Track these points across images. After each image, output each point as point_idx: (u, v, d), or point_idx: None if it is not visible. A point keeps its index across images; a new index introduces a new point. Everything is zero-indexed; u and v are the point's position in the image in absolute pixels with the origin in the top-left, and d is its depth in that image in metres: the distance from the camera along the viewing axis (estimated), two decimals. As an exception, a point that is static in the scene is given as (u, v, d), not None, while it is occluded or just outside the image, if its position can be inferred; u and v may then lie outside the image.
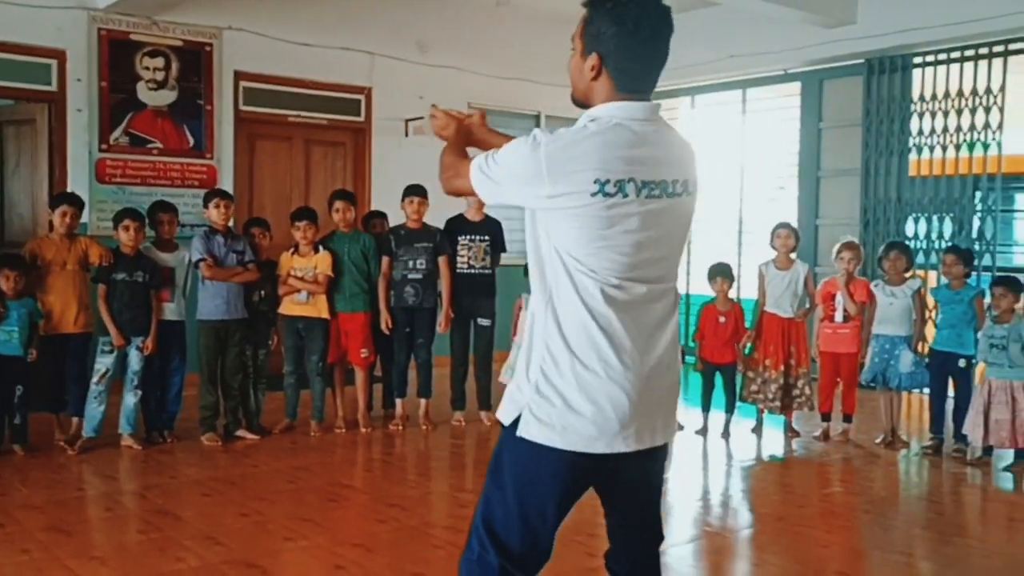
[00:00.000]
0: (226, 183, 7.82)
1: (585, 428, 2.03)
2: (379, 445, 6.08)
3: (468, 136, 2.49)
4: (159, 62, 7.53)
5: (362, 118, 8.75)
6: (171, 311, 5.82)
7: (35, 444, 5.52)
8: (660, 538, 2.35)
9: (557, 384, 2.04)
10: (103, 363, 5.56)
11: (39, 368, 5.55)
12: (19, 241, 6.77)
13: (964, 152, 7.84)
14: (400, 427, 6.36)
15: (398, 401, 6.50)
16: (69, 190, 6.92)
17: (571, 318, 2.03)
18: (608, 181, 1.97)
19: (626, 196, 1.99)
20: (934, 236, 8.01)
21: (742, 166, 9.68)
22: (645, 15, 2.05)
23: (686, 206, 2.13)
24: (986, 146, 7.71)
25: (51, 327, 5.54)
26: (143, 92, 7.47)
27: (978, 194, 7.82)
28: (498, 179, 2.10)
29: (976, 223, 7.81)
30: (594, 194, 1.97)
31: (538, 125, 9.97)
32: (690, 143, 2.18)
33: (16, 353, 5.35)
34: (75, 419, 5.64)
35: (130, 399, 5.64)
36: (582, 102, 2.16)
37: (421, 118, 8.84)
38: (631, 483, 2.22)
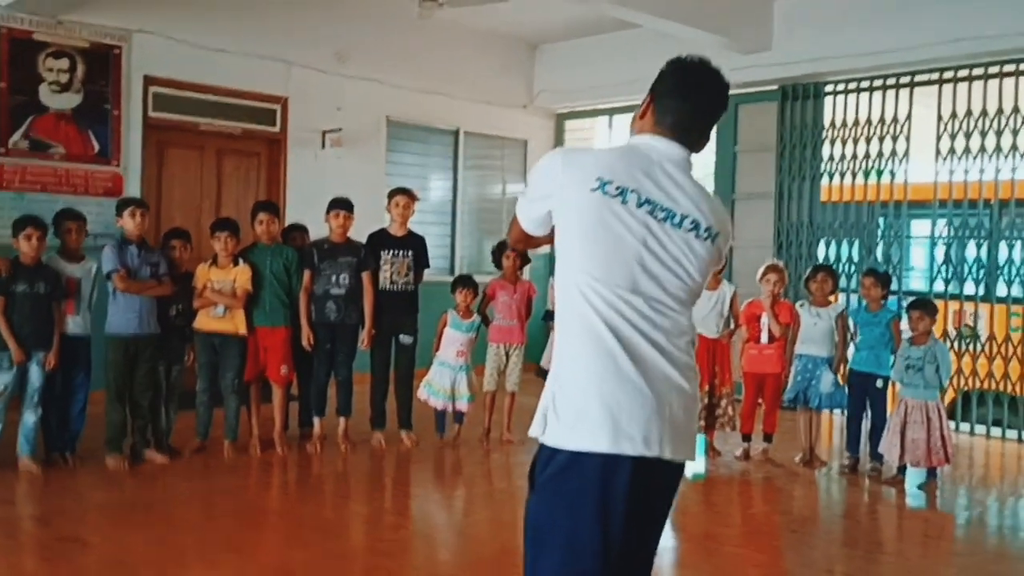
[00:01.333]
0: (133, 192, 7.46)
1: (592, 427, 2.03)
2: (297, 466, 5.86)
3: None
4: (63, 63, 7.16)
5: (278, 128, 8.50)
6: (75, 324, 5.50)
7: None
8: (650, 565, 2.28)
9: (568, 387, 2.09)
10: (1, 380, 5.19)
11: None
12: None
13: (872, 179, 8.09)
14: (318, 447, 6.15)
15: (316, 420, 6.29)
16: (-37, 195, 6.54)
17: (580, 325, 2.08)
18: (611, 182, 2.07)
19: (625, 202, 2.07)
20: (843, 259, 8.22)
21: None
22: (696, 70, 2.25)
23: (698, 245, 2.15)
24: (893, 174, 7.97)
25: (-61, 340, 5.16)
26: (46, 94, 7.08)
27: (883, 219, 8.07)
28: (530, 195, 2.23)
29: (882, 248, 8.05)
30: (594, 189, 2.07)
31: (457, 141, 9.90)
32: (717, 199, 2.28)
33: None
34: (-32, 440, 5.25)
35: (30, 418, 5.29)
36: None
37: (339, 130, 8.70)
38: (639, 496, 2.12)
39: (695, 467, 6.15)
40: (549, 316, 6.55)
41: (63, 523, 4.38)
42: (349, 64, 8.82)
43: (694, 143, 2.24)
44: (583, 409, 2.05)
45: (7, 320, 5.18)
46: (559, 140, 10.68)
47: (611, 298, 2.07)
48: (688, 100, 2.23)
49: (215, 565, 3.91)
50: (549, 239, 2.28)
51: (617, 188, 2.08)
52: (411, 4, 7.87)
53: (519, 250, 2.05)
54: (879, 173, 8.07)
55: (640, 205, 2.08)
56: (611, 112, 10.23)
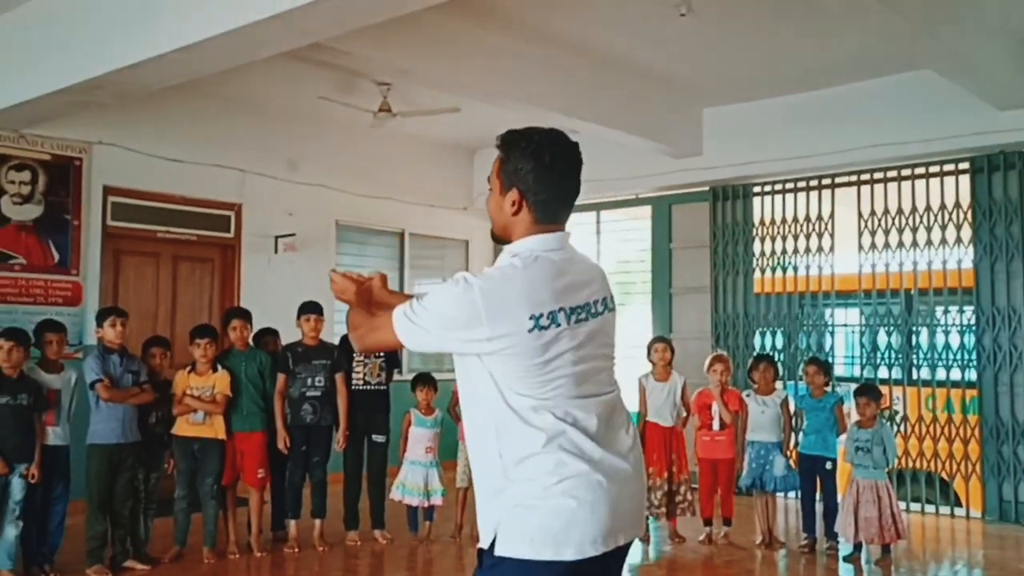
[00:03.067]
0: (91, 300, 7.54)
1: (571, 539, 2.09)
2: (279, 569, 5.91)
3: (368, 297, 2.52)
4: (25, 176, 7.27)
5: (231, 234, 8.68)
6: (55, 436, 5.50)
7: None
8: None
9: (528, 505, 2.11)
10: (-16, 494, 5.16)
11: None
12: None
13: (802, 271, 8.68)
14: (296, 549, 6.20)
15: (291, 522, 6.34)
16: (-78, 307, 6.51)
17: (529, 447, 2.12)
18: (542, 315, 2.10)
19: (559, 326, 2.13)
20: (779, 348, 8.74)
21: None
22: (558, 151, 2.25)
23: (609, 321, 2.29)
24: (820, 268, 8.58)
25: (-79, 456, 5.12)
26: (7, 206, 7.16)
27: (813, 309, 8.64)
28: (428, 326, 2.16)
29: (814, 336, 8.60)
30: (531, 330, 2.10)
31: (403, 242, 10.21)
32: (597, 264, 2.39)
33: None
34: (-54, 557, 5.17)
35: (11, 531, 5.23)
36: (501, 237, 2.31)
37: (293, 235, 8.92)
38: None
39: (661, 554, 6.42)
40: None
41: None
42: (300, 171, 9.10)
43: (567, 218, 2.30)
44: (543, 529, 2.09)
45: (-9, 433, 5.18)
46: (498, 239, 11.08)
47: (562, 414, 2.12)
48: (560, 191, 2.25)
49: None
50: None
51: (548, 316, 2.11)
52: (358, 114, 8.27)
53: (366, 353, 2.10)
54: (795, 269, 8.66)
55: (568, 318, 2.15)
56: (549, 212, 10.67)
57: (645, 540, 6.77)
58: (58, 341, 5.63)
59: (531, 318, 2.10)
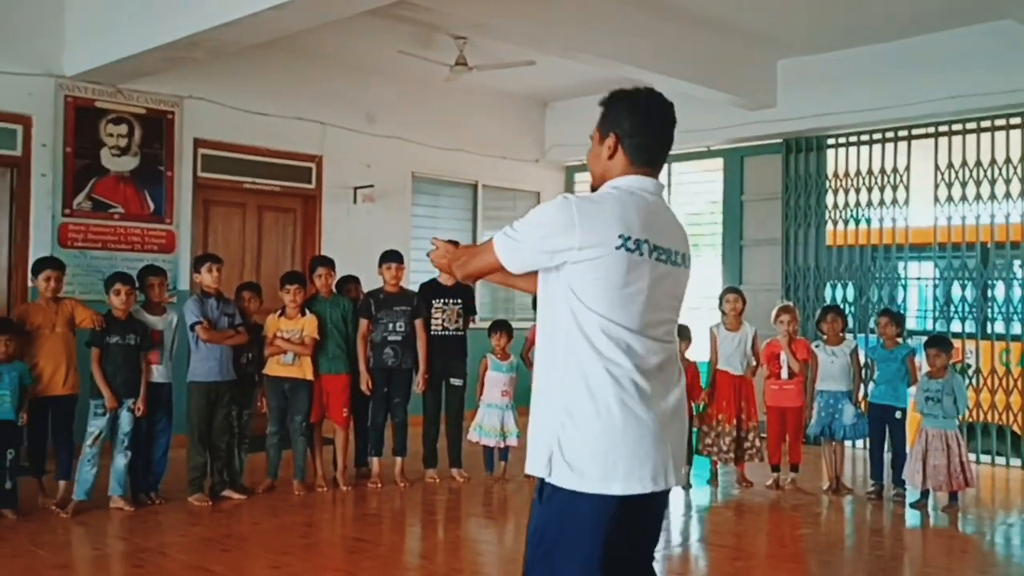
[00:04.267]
0: (183, 248, 7.94)
1: (606, 472, 2.23)
2: (363, 503, 6.24)
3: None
4: (123, 129, 7.63)
5: (313, 185, 8.99)
6: (159, 373, 5.90)
7: (21, 508, 5.47)
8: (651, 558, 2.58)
9: (580, 434, 2.25)
10: (96, 425, 5.58)
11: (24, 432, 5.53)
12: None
13: (875, 224, 8.66)
14: (378, 485, 6.54)
15: (374, 459, 6.68)
16: (31, 254, 6.96)
17: (591, 370, 2.25)
18: (630, 238, 2.25)
19: (642, 255, 2.26)
20: (849, 300, 8.76)
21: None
22: (653, 101, 2.45)
23: (683, 276, 2.44)
24: (894, 220, 8.56)
25: (40, 390, 5.55)
26: (106, 158, 7.54)
27: (887, 262, 8.63)
28: (523, 237, 2.32)
29: (886, 289, 8.61)
30: (618, 247, 2.23)
31: (476, 194, 10.43)
32: (682, 224, 2.51)
33: (8, 417, 5.34)
34: (62, 482, 5.61)
35: (121, 461, 5.66)
36: (598, 186, 2.46)
37: (371, 186, 9.20)
38: (641, 524, 2.42)
39: (729, 498, 6.61)
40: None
41: (181, 554, 4.77)
42: (378, 124, 9.34)
43: (660, 169, 2.47)
44: (594, 455, 2.22)
45: (102, 370, 5.57)
46: (568, 191, 11.18)
47: (623, 343, 2.25)
48: (653, 136, 2.42)
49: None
50: (511, 275, 2.43)
51: (635, 242, 2.25)
52: (435, 68, 8.45)
53: (467, 282, 2.25)
54: (868, 222, 8.64)
55: (651, 253, 2.28)
56: (620, 165, 10.76)
57: (713, 484, 6.95)
58: (160, 284, 6.01)
59: (620, 236, 2.24)
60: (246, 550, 4.95)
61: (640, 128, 2.40)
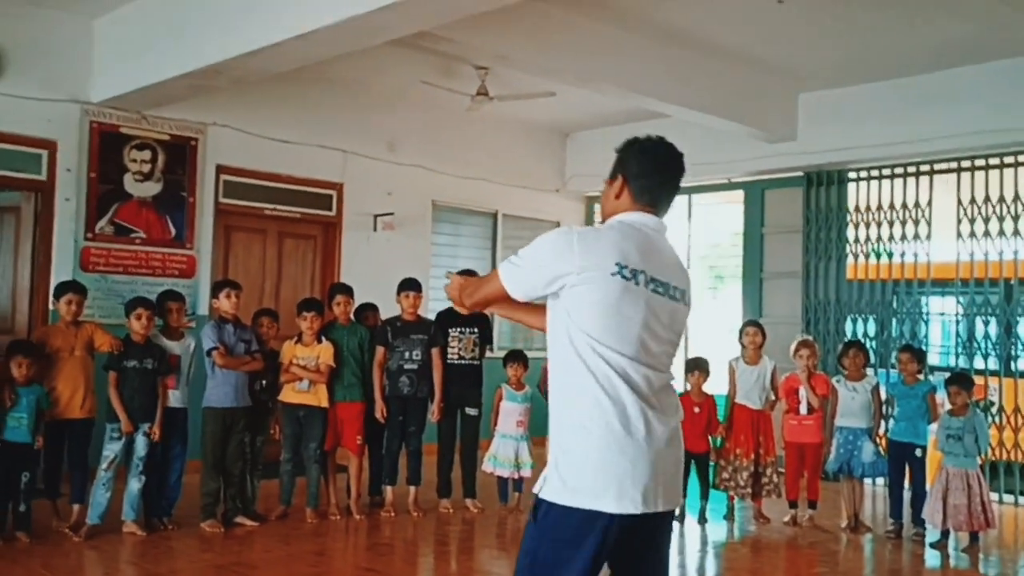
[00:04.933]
0: (204, 273, 8.00)
1: (597, 489, 2.29)
2: (376, 531, 6.22)
3: None
4: (146, 155, 7.72)
5: (333, 212, 9.04)
6: (175, 398, 5.92)
7: (35, 531, 5.49)
8: None
9: (574, 453, 2.32)
10: (111, 449, 5.60)
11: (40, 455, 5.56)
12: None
13: (896, 259, 8.60)
14: (392, 513, 6.51)
15: (388, 488, 6.65)
16: (53, 277, 7.04)
17: (585, 393, 2.33)
18: (627, 267, 2.34)
19: (638, 284, 2.35)
20: (870, 335, 8.68)
21: (688, 267, 10.27)
22: (662, 147, 2.57)
23: (682, 312, 2.49)
24: (916, 255, 8.48)
25: (57, 413, 5.58)
26: (129, 183, 7.62)
27: (909, 297, 8.55)
28: (525, 264, 2.43)
29: (908, 324, 8.52)
30: (614, 273, 2.32)
31: (496, 223, 10.45)
32: (684, 264, 2.60)
33: (25, 440, 5.38)
34: (75, 506, 5.63)
35: (135, 485, 5.67)
36: None
37: (391, 214, 9.24)
38: (639, 550, 2.43)
39: (746, 534, 6.53)
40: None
41: (191, 581, 4.76)
42: (399, 153, 9.41)
43: (665, 212, 2.57)
44: (585, 473, 2.29)
45: (119, 393, 5.60)
46: (589, 221, 11.17)
47: (618, 367, 2.32)
48: (659, 179, 2.54)
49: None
50: (518, 307, 2.59)
51: (631, 271, 2.34)
52: (456, 98, 8.51)
53: (474, 311, 2.35)
54: (890, 256, 8.58)
55: (647, 284, 2.37)
56: (640, 195, 10.76)
57: (730, 519, 6.87)
58: (178, 310, 6.05)
59: (617, 264, 2.33)
60: (257, 577, 4.93)
61: (646, 171, 2.53)
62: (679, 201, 10.10)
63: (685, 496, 6.67)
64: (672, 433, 2.41)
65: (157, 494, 5.88)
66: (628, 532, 2.34)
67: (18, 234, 7.35)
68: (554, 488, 2.33)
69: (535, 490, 2.40)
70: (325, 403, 6.31)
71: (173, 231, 7.86)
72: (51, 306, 6.47)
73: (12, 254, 7.36)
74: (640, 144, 2.57)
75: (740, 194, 9.92)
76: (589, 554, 2.30)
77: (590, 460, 2.31)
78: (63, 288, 5.91)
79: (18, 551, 5.23)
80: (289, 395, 6.30)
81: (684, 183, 8.25)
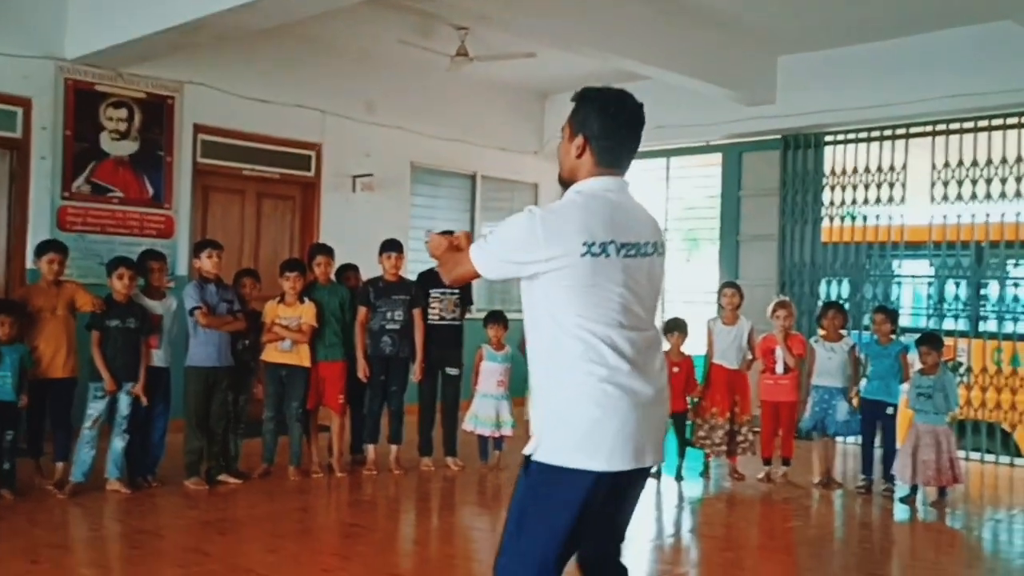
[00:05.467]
0: (182, 233, 7.96)
1: (601, 451, 2.37)
2: (358, 489, 6.30)
3: (457, 251, 2.76)
4: (123, 113, 7.64)
5: (312, 173, 9.00)
6: (158, 358, 5.93)
7: (19, 489, 5.51)
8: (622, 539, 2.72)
9: (565, 417, 2.40)
10: (95, 408, 5.62)
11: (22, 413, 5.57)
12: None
13: (871, 222, 8.71)
14: (374, 472, 6.58)
15: (369, 447, 6.72)
16: (30, 237, 6.99)
17: (576, 365, 2.39)
18: (594, 243, 2.37)
19: (608, 255, 2.39)
20: (844, 297, 8.81)
21: (664, 230, 10.36)
22: (623, 105, 2.55)
23: (658, 264, 2.56)
24: (890, 218, 8.61)
25: (39, 372, 5.58)
26: (106, 142, 7.54)
27: (882, 259, 8.69)
28: (495, 250, 2.48)
29: (881, 287, 8.66)
30: (583, 255, 2.36)
31: (475, 185, 10.46)
32: (650, 214, 2.62)
33: (8, 399, 5.38)
34: (59, 464, 5.65)
35: (118, 443, 5.70)
36: (567, 179, 2.58)
37: (370, 175, 9.22)
38: (616, 499, 2.54)
39: (721, 490, 6.67)
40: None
41: (178, 536, 4.84)
42: (378, 113, 9.36)
43: (627, 168, 2.56)
44: (579, 435, 2.37)
45: (102, 353, 5.61)
46: (568, 184, 11.23)
47: (603, 336, 2.38)
48: (623, 138, 2.52)
49: (335, 570, 4.41)
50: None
51: (600, 246, 2.37)
52: (436, 58, 8.47)
53: (455, 286, 2.48)
54: (864, 219, 8.70)
55: (618, 251, 2.40)
56: (618, 158, 10.79)
57: (706, 476, 7.01)
58: (160, 269, 6.05)
59: (584, 244, 2.36)
60: (242, 534, 5.01)
61: (608, 131, 2.50)
62: (657, 164, 10.17)
63: (683, 456, 6.90)
64: (658, 392, 2.49)
65: (141, 452, 5.91)
66: (612, 484, 2.44)
67: (-7, 193, 7.28)
68: (546, 450, 2.41)
69: (526, 451, 2.47)
70: (307, 362, 6.34)
71: (151, 191, 7.81)
72: (31, 265, 6.43)
73: (-13, 213, 7.29)
74: (601, 100, 2.53)
75: (718, 157, 9.99)
76: (576, 509, 2.41)
77: (582, 424, 2.38)
78: (44, 247, 5.88)
79: (3, 508, 5.27)
80: (271, 355, 6.33)
81: (662, 146, 8.30)
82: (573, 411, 2.39)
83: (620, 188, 2.53)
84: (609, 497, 2.49)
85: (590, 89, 2.58)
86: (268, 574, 4.23)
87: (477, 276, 2.57)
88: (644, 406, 2.42)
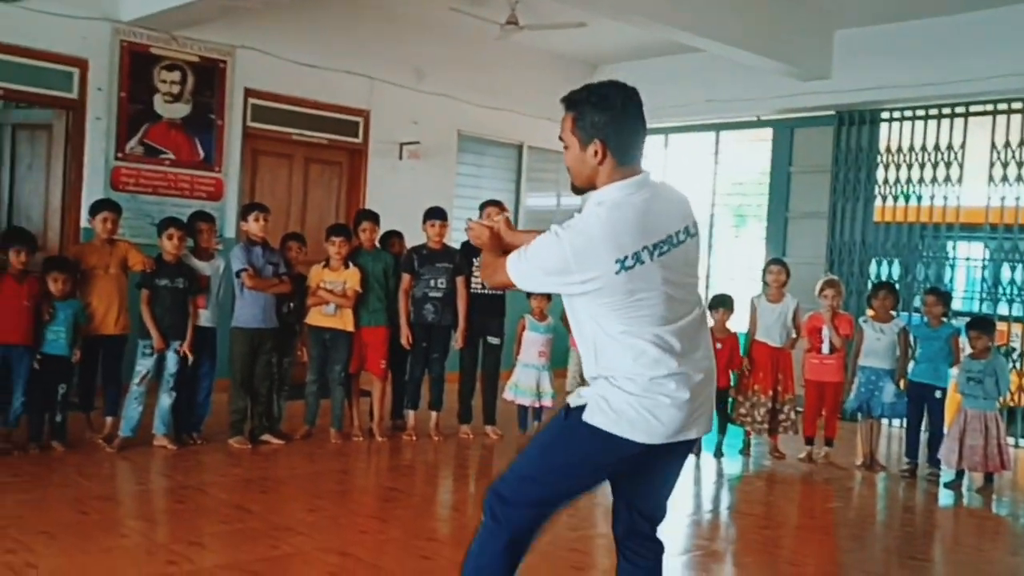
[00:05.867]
0: (231, 196, 8.05)
1: (636, 422, 2.42)
2: (397, 454, 6.36)
3: (498, 240, 2.82)
4: (176, 76, 7.72)
5: (360, 139, 9.03)
6: (205, 318, 6.02)
7: (69, 442, 5.65)
8: (663, 517, 2.74)
9: (617, 396, 2.43)
10: (144, 365, 5.73)
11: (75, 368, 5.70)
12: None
13: (925, 202, 8.52)
14: (413, 437, 6.64)
15: (409, 413, 6.78)
16: (84, 196, 7.12)
17: (622, 362, 2.43)
18: (626, 257, 2.36)
19: (643, 263, 2.38)
20: (895, 278, 8.65)
21: (712, 204, 10.25)
22: (625, 96, 2.49)
23: (692, 246, 2.54)
24: (945, 199, 8.41)
25: (92, 328, 5.70)
26: (159, 104, 7.63)
27: (935, 240, 8.51)
28: (531, 271, 2.48)
29: (933, 268, 8.49)
30: (617, 272, 2.36)
31: (521, 155, 10.41)
32: (682, 192, 2.60)
33: (62, 353, 5.52)
34: (108, 419, 5.78)
35: (165, 400, 5.82)
36: (584, 187, 2.55)
37: (417, 143, 9.23)
38: (661, 469, 2.62)
39: (760, 469, 6.62)
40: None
41: (221, 492, 4.92)
42: (426, 81, 9.35)
43: (641, 159, 2.53)
44: (628, 414, 2.41)
45: (151, 311, 5.71)
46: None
47: (648, 336, 2.40)
48: (635, 130, 2.50)
49: (373, 532, 4.47)
50: None
51: (633, 257, 2.36)
52: (485, 26, 8.40)
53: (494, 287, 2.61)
54: (919, 199, 8.51)
55: (651, 254, 2.39)
56: (667, 131, 10.68)
57: (745, 454, 6.96)
58: (208, 231, 6.13)
59: (617, 262, 2.35)
60: (283, 492, 5.09)
61: (621, 130, 2.46)
62: (706, 138, 10.03)
63: (723, 433, 6.85)
64: (706, 374, 2.51)
65: (187, 410, 6.02)
66: (655, 454, 2.49)
67: (50, 152, 7.42)
68: (593, 411, 2.44)
69: (572, 403, 2.51)
70: (351, 327, 6.39)
71: (202, 153, 7.89)
72: (85, 223, 6.55)
73: (44, 172, 7.44)
74: (605, 101, 2.47)
75: (769, 132, 9.82)
76: (602, 472, 2.52)
77: (635, 417, 2.41)
78: (100, 206, 5.97)
79: (54, 459, 5.41)
80: (316, 318, 6.39)
81: (711, 120, 8.22)
82: (627, 408, 2.42)
83: (641, 185, 2.48)
84: (649, 471, 2.56)
85: (579, 92, 2.52)
86: (307, 533, 4.30)
87: (513, 286, 2.58)
88: (695, 388, 2.45)
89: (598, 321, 2.44)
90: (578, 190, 2.58)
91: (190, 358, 5.85)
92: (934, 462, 6.41)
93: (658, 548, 2.71)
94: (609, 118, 2.45)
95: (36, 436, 5.52)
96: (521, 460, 2.58)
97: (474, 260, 6.83)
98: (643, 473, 2.59)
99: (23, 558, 3.71)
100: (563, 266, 2.37)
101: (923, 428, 6.61)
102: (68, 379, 5.59)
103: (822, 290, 6.89)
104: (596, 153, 2.46)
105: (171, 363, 5.80)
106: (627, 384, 2.42)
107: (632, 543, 2.68)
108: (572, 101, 2.52)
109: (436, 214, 6.76)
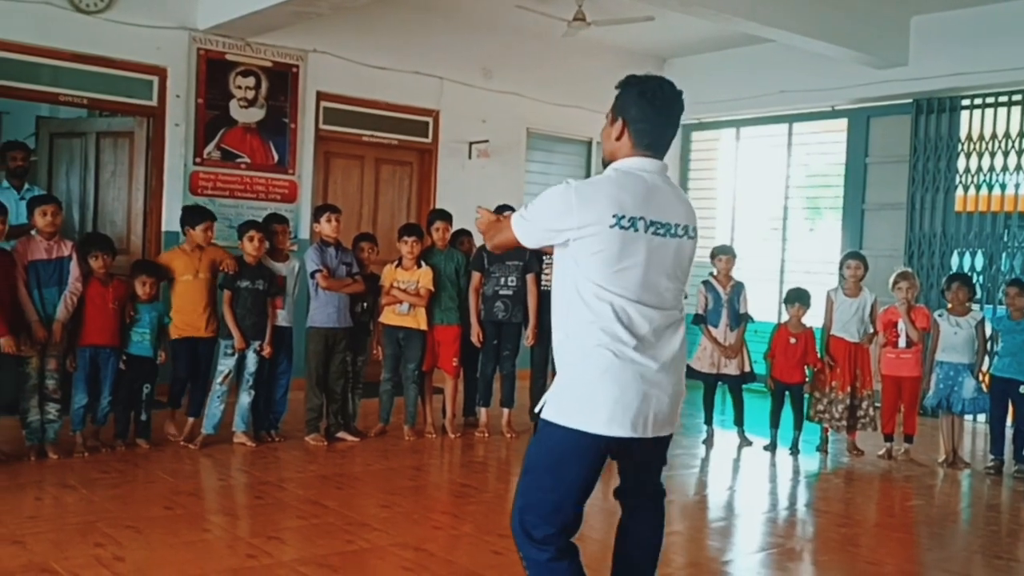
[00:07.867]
0: (304, 197, 8.22)
1: (598, 416, 2.51)
2: (470, 450, 6.42)
3: (500, 227, 2.92)
4: (250, 81, 7.91)
5: (429, 139, 9.13)
6: (282, 318, 6.17)
7: (153, 439, 5.85)
8: (662, 493, 2.90)
9: (571, 381, 2.55)
10: (226, 365, 5.90)
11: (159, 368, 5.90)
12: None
13: (1010, 190, 8.25)
14: (485, 434, 6.70)
15: (481, 410, 6.83)
16: (165, 201, 7.36)
17: (585, 331, 2.52)
18: (623, 216, 2.50)
19: (636, 230, 2.51)
20: (979, 269, 8.40)
21: (785, 197, 10.08)
22: (660, 90, 2.66)
23: (686, 246, 2.66)
24: (1030, 186, 8.14)
25: (182, 331, 5.87)
26: (235, 109, 7.83)
27: (1021, 230, 8.23)
28: (532, 217, 2.63)
29: (1019, 259, 8.22)
30: (612, 225, 2.48)
31: (590, 151, 10.40)
32: (687, 198, 2.76)
33: (147, 354, 5.71)
34: (191, 418, 5.96)
35: (245, 399, 5.97)
36: (609, 161, 2.71)
37: (486, 141, 9.29)
38: (640, 461, 2.76)
39: (838, 466, 6.49)
40: (699, 319, 6.94)
41: (298, 488, 5.04)
42: (494, 79, 9.40)
43: (664, 152, 2.68)
44: (580, 400, 2.51)
45: (232, 312, 5.87)
46: (685, 150, 11.02)
47: (620, 309, 2.50)
48: (659, 122, 2.65)
49: (447, 527, 4.55)
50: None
51: (629, 220, 2.50)
52: (552, 23, 8.40)
53: (495, 250, 2.71)
54: (1003, 187, 8.25)
55: (647, 228, 2.53)
56: (738, 124, 10.55)
57: (823, 451, 6.84)
58: (284, 232, 6.27)
59: (614, 216, 2.49)
60: (358, 488, 5.19)
61: (645, 116, 2.63)
62: (779, 130, 9.87)
63: (777, 427, 6.76)
64: (668, 370, 2.59)
65: (265, 408, 6.17)
66: (621, 448, 2.61)
67: (132, 159, 7.67)
68: (551, 410, 2.58)
69: (536, 410, 2.67)
70: (424, 326, 6.47)
71: (276, 156, 8.08)
72: (166, 228, 6.78)
73: (127, 178, 7.70)
74: (640, 87, 2.65)
75: (843, 122, 9.62)
76: (577, 466, 2.56)
77: (583, 388, 2.53)
78: (201, 215, 6.05)
79: (139, 456, 5.61)
80: (389, 317, 6.48)
81: (784, 111, 8.11)
82: (577, 375, 2.54)
83: (656, 170, 2.64)
84: (625, 459, 2.73)
85: (632, 77, 2.71)
86: (382, 528, 4.38)
87: (517, 244, 2.73)
88: (648, 380, 2.53)
89: (577, 280, 2.53)
90: (605, 164, 2.73)
91: (269, 357, 5.98)
92: (1021, 459, 6.21)
93: (660, 493, 2.88)
94: (637, 102, 2.62)
95: (123, 434, 5.72)
96: (520, 479, 2.67)
97: (544, 258, 6.86)
98: (627, 461, 2.76)
99: (111, 551, 3.86)
100: (565, 208, 2.51)
101: (1008, 423, 6.40)
102: (152, 379, 5.78)
103: (896, 283, 6.74)
104: (618, 130, 2.66)
105: (251, 362, 5.95)
106: (582, 352, 2.52)
107: (632, 494, 2.85)
108: (621, 83, 2.71)
109: (506, 211, 6.77)
